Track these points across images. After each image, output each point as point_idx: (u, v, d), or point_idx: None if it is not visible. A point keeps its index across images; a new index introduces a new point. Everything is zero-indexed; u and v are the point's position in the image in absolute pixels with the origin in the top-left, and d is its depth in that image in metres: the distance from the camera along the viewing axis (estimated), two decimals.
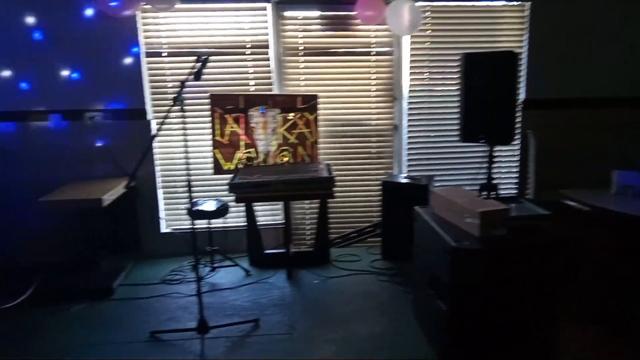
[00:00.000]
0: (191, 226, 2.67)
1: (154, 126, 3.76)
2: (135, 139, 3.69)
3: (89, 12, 3.54)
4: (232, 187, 3.27)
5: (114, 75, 3.67)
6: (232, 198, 3.36)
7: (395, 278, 3.43)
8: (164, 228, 3.96)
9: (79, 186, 3.49)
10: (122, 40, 3.63)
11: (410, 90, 3.94)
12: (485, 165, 3.56)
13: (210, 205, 3.47)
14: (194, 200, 3.51)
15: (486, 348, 2.34)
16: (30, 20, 3.54)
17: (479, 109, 3.37)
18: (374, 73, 3.89)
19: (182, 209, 3.94)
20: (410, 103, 3.96)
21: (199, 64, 2.67)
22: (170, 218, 3.96)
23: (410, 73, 3.91)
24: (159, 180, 3.89)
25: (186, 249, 3.77)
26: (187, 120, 3.74)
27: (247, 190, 3.27)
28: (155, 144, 3.80)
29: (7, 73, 3.59)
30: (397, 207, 3.69)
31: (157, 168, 3.87)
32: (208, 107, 3.65)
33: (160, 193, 3.92)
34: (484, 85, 3.32)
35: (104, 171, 3.74)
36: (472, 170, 4.05)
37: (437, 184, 3.90)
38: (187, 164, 2.67)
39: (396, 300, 3.15)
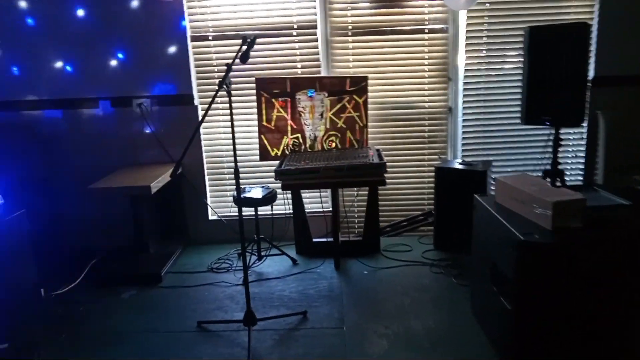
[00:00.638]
0: (238, 213, 2.57)
1: (200, 112, 3.70)
2: (182, 125, 3.63)
3: None
4: (279, 174, 3.14)
5: (160, 60, 3.60)
6: (279, 185, 3.25)
7: (450, 270, 3.21)
8: (211, 215, 3.91)
9: (129, 173, 3.47)
10: (168, 24, 3.55)
11: (466, 70, 3.66)
12: (549, 149, 3.26)
13: (257, 193, 3.36)
14: (241, 187, 3.42)
15: (557, 352, 2.10)
16: (76, 6, 3.53)
17: (545, 88, 3.05)
18: (427, 52, 3.63)
19: (228, 196, 3.87)
20: (466, 84, 3.68)
21: (244, 47, 2.53)
22: (217, 205, 3.90)
23: (467, 51, 3.62)
24: (206, 167, 3.83)
25: (233, 236, 3.74)
26: (234, 105, 3.56)
27: (294, 177, 3.13)
28: (201, 130, 3.72)
29: (56, 61, 3.61)
30: (451, 194, 3.45)
31: (204, 155, 3.80)
32: (254, 91, 3.54)
33: (207, 180, 3.86)
34: (551, 61, 3.01)
35: (152, 157, 3.72)
36: (534, 155, 3.73)
37: (495, 170, 3.63)
38: (234, 150, 2.56)
39: (451, 293, 2.95)
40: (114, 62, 3.61)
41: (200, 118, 3.61)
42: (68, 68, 3.63)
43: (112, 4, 3.52)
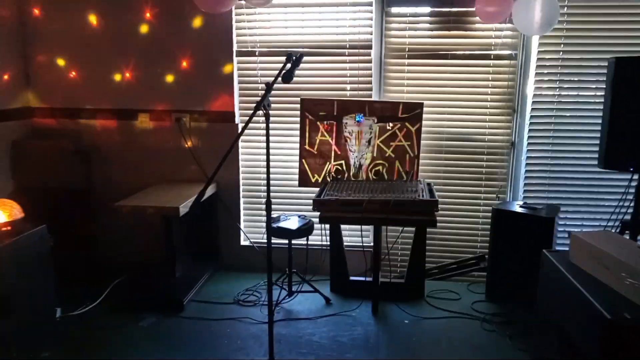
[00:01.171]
0: (267, 245, 2.32)
1: (240, 128, 3.48)
2: (222, 143, 3.39)
3: (186, 9, 3.35)
4: (318, 204, 2.86)
5: (204, 75, 3.43)
6: (318, 215, 2.96)
7: (505, 328, 2.81)
8: (243, 240, 3.67)
9: (162, 190, 3.29)
10: (215, 38, 3.38)
11: (534, 102, 3.27)
12: (629, 197, 2.83)
13: (292, 223, 3.08)
14: (275, 215, 3.17)
15: None
16: (140, 20, 3.43)
17: (630, 129, 2.66)
18: (491, 80, 3.27)
19: (263, 222, 3.62)
20: (533, 117, 3.29)
21: (289, 65, 2.30)
22: (251, 230, 3.65)
23: (536, 81, 3.24)
24: (242, 188, 3.60)
25: (264, 264, 3.42)
26: (275, 125, 3.41)
27: (334, 209, 2.85)
28: (240, 150, 3.52)
29: (103, 71, 3.51)
30: (510, 240, 3.06)
31: (241, 176, 3.58)
32: (298, 112, 3.31)
33: (242, 202, 3.63)
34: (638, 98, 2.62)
35: (189, 175, 3.53)
36: (608, 202, 3.28)
37: (562, 217, 3.21)
38: (267, 175, 2.33)
39: (506, 356, 2.54)
40: (155, 74, 3.47)
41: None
42: (117, 78, 3.51)
43: (161, 14, 3.40)
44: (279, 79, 2.24)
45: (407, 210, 2.81)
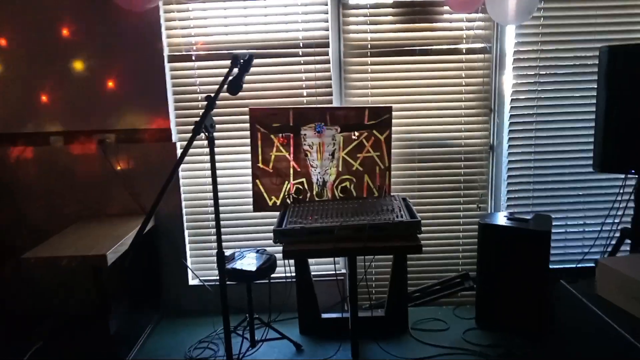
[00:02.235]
0: (220, 294, 1.85)
1: (180, 151, 2.97)
2: (157, 166, 2.89)
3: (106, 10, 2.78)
4: (280, 235, 2.38)
5: (130, 86, 2.88)
6: (280, 248, 2.45)
7: None
8: (192, 279, 3.14)
9: (86, 229, 2.71)
10: (138, 40, 2.84)
11: (513, 100, 2.95)
12: (625, 205, 2.58)
13: (250, 262, 2.58)
14: (229, 252, 2.66)
15: None
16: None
17: (629, 127, 2.39)
18: (464, 77, 2.92)
19: (214, 255, 3.11)
20: (513, 116, 2.96)
21: (235, 69, 1.84)
22: (200, 266, 3.12)
23: (515, 76, 2.92)
24: (185, 218, 3.06)
25: (219, 306, 2.95)
26: (222, 142, 2.94)
27: (299, 240, 2.39)
28: (181, 173, 2.99)
29: (11, 88, 2.87)
30: (499, 258, 2.72)
31: (184, 204, 3.04)
32: (247, 124, 2.84)
33: (187, 235, 3.08)
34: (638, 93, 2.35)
35: (120, 207, 2.96)
36: (600, 206, 3.02)
37: (554, 229, 2.91)
38: (216, 209, 1.88)
39: None
40: (73, 87, 2.87)
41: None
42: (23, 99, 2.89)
43: (73, 17, 2.82)
44: (224, 88, 1.78)
45: (385, 235, 2.40)
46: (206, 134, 1.73)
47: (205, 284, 3.04)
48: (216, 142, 2.90)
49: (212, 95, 1.75)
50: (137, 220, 2.81)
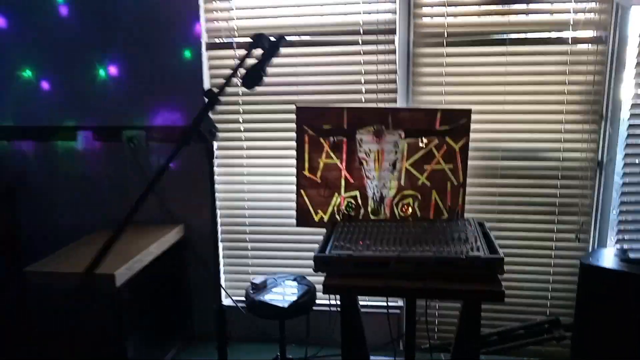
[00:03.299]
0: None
1: (217, 152, 2.61)
2: (192, 169, 2.54)
3: None
4: (321, 264, 1.95)
5: (163, 78, 2.56)
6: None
7: None
8: (224, 299, 2.77)
9: (105, 239, 2.41)
10: (174, 26, 2.50)
11: (634, 105, 2.31)
12: None
13: (284, 293, 2.16)
14: (261, 279, 2.25)
15: None
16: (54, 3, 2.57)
17: None
18: (568, 74, 2.32)
19: (251, 273, 2.73)
20: (633, 127, 2.32)
21: (260, 52, 1.45)
22: (234, 285, 2.75)
23: (638, 74, 2.28)
24: (220, 230, 2.70)
25: (256, 330, 2.62)
26: (260, 144, 2.57)
27: (344, 271, 1.94)
28: (217, 178, 2.64)
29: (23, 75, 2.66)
30: (606, 307, 2.11)
31: (220, 213, 2.69)
32: (293, 125, 2.40)
33: (221, 250, 2.71)
34: None
35: (148, 214, 2.61)
36: None
37: None
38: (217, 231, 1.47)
39: None
40: (99, 78, 2.59)
41: (213, 157, 2.57)
42: (41, 90, 2.65)
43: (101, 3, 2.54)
44: (238, 80, 1.39)
45: (455, 272, 1.90)
46: (205, 142, 1.32)
47: (239, 305, 2.68)
48: (255, 143, 2.59)
49: (215, 89, 1.34)
50: (164, 229, 2.49)
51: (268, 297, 2.08)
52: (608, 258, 2.17)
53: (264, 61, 1.41)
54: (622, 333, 2.08)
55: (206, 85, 2.55)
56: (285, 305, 2.02)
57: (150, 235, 2.41)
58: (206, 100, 1.36)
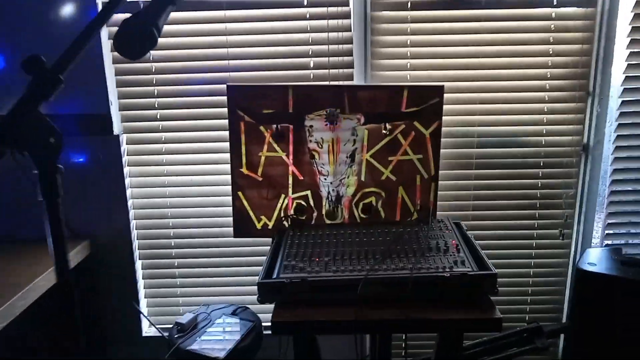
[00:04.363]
0: None
1: (126, 147, 2.07)
2: (93, 170, 2.02)
3: None
4: (267, 292, 1.51)
5: (51, 57, 1.98)
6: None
7: None
8: (147, 328, 2.27)
9: None
10: None
11: (627, 79, 2.00)
12: None
13: (220, 332, 1.71)
14: (189, 316, 1.78)
15: None
16: None
17: None
18: (551, 43, 1.98)
19: (178, 295, 2.24)
20: (625, 104, 2.03)
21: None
22: (158, 310, 2.26)
23: (630, 44, 1.97)
24: (137, 244, 2.18)
25: None
26: (184, 135, 2.06)
27: (298, 300, 1.51)
28: (130, 180, 2.10)
29: None
30: (606, 316, 1.85)
31: (134, 223, 2.16)
32: (224, 109, 1.89)
33: (138, 266, 2.20)
34: None
35: (39, 229, 2.07)
36: None
37: None
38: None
39: None
40: None
41: (124, 154, 2.07)
42: None
43: None
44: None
45: (437, 293, 1.53)
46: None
47: (165, 335, 2.19)
48: (177, 134, 2.06)
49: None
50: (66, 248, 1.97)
51: (198, 345, 1.61)
52: (603, 260, 1.90)
53: (153, 12, 0.92)
54: (624, 342, 1.83)
55: (107, 59, 1.98)
56: (222, 355, 1.56)
57: (37, 260, 1.87)
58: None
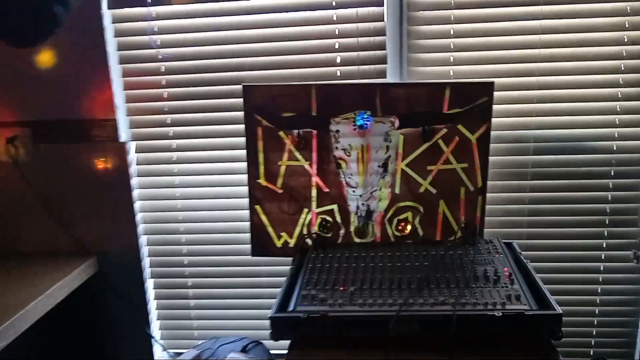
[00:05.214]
0: None
1: (135, 155, 1.91)
2: (98, 179, 1.87)
3: None
4: (281, 328, 1.29)
5: (55, 55, 1.81)
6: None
7: None
8: (159, 354, 2.12)
9: None
10: None
11: None
12: None
13: None
14: (192, 353, 1.57)
15: None
16: None
17: None
18: (627, 29, 1.66)
19: (192, 317, 2.07)
20: None
21: None
22: (171, 333, 2.07)
23: None
24: (148, 262, 2.01)
25: None
26: (191, 142, 1.88)
27: (319, 337, 1.30)
28: (139, 192, 1.93)
29: None
30: None
31: (142, 238, 1.98)
32: (240, 113, 1.72)
33: (149, 286, 2.03)
34: None
35: (40, 241, 1.93)
36: None
37: None
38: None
39: None
40: None
41: (132, 162, 1.90)
42: None
43: None
44: None
45: (486, 335, 1.28)
46: None
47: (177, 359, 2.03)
48: (189, 141, 1.87)
49: None
50: (66, 266, 1.81)
51: None
52: None
53: None
54: None
55: (113, 59, 1.82)
56: None
57: (49, 271, 1.75)
58: None
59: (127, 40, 1.82)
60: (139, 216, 1.93)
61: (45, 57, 1.80)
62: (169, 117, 1.86)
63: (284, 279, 1.47)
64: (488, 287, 1.33)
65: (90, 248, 1.91)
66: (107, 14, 1.78)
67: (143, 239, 1.96)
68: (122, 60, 1.83)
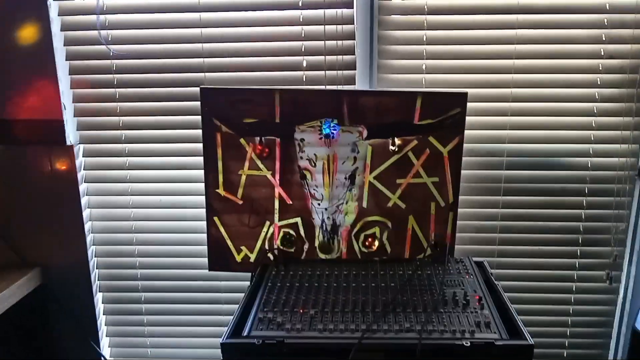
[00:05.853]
0: None
1: (82, 159, 1.78)
2: (43, 183, 1.74)
3: None
4: (232, 354, 1.19)
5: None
6: None
7: None
8: None
9: None
10: None
11: None
12: None
13: None
14: None
15: None
16: None
17: None
18: (604, 42, 1.63)
19: (146, 334, 1.94)
20: None
21: None
22: (121, 352, 1.96)
23: None
24: (97, 275, 1.88)
25: None
26: (148, 147, 1.77)
27: None
28: (88, 199, 1.80)
29: None
30: None
31: (93, 250, 1.86)
32: (198, 117, 1.60)
33: (98, 301, 1.91)
34: None
35: None
36: None
37: None
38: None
39: None
40: None
41: (80, 166, 1.77)
42: None
43: None
44: None
45: None
46: None
47: None
48: (142, 146, 1.73)
49: None
50: (8, 276, 1.67)
51: None
52: None
53: None
54: None
55: (59, 56, 1.68)
56: None
57: None
58: None
59: (74, 34, 1.69)
60: (87, 225, 1.80)
61: None
62: (121, 119, 1.74)
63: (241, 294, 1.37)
64: (457, 312, 1.26)
65: (32, 259, 1.78)
66: (53, 5, 1.65)
67: (92, 250, 1.84)
68: (70, 57, 1.70)
